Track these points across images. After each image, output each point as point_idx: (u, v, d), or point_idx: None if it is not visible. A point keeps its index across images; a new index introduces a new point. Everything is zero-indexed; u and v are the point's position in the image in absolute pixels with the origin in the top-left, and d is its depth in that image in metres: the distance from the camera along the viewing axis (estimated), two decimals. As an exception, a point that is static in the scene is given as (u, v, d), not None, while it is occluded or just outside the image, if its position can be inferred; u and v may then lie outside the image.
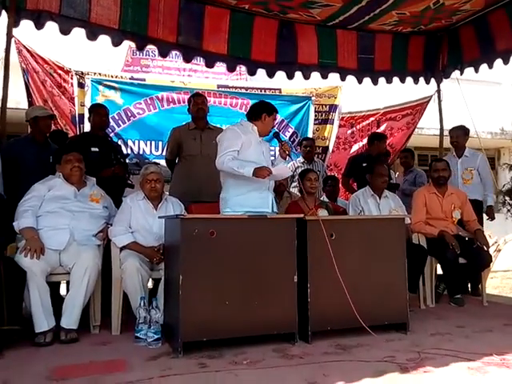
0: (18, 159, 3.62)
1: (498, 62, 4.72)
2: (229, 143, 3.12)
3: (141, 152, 5.35)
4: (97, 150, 3.82)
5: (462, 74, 5.20)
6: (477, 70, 4.98)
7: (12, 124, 3.80)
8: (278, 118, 5.81)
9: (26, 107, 4.54)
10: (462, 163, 4.61)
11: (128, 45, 5.62)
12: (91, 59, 5.85)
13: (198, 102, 4.16)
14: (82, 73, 5.09)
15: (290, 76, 4.95)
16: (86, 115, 4.57)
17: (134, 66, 6.50)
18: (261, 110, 3.25)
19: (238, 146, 3.11)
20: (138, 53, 6.46)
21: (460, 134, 4.64)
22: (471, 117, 4.90)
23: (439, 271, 4.10)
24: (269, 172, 2.99)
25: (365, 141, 5.82)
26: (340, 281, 2.80)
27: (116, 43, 4.11)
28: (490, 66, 4.83)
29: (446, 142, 4.99)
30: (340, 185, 5.33)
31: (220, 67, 5.62)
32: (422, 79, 5.40)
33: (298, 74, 4.96)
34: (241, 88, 5.79)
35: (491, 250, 5.05)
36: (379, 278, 2.99)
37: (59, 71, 5.01)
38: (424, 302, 3.89)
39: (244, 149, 3.12)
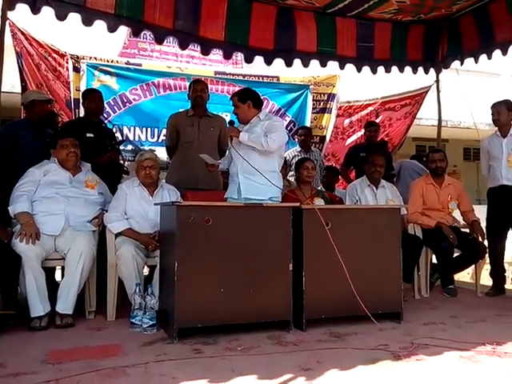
0: (13, 143, 3.59)
1: (497, 52, 4.67)
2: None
3: (136, 139, 5.30)
4: (92, 135, 3.78)
5: (462, 64, 5.13)
6: (476, 61, 4.93)
7: (6, 108, 3.75)
8: (275, 106, 5.80)
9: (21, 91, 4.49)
10: (508, 144, 3.97)
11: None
12: (87, 43, 5.75)
13: (197, 88, 4.11)
14: (78, 57, 5.00)
15: (289, 64, 4.88)
16: (82, 100, 4.52)
17: (131, 48, 6.39)
18: (249, 96, 3.25)
19: None
20: (136, 35, 6.38)
21: (501, 110, 4.00)
22: (470, 108, 4.84)
23: (433, 261, 4.12)
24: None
25: (363, 131, 5.80)
26: (335, 270, 2.81)
27: (112, 29, 4.04)
28: (489, 57, 4.79)
29: (444, 133, 4.96)
30: (339, 175, 5.32)
31: (216, 55, 5.55)
32: (420, 69, 5.35)
33: (296, 62, 4.90)
34: (238, 75, 5.73)
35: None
36: (374, 268, 3.00)
37: (54, 55, 4.92)
38: (418, 292, 3.91)
39: None
